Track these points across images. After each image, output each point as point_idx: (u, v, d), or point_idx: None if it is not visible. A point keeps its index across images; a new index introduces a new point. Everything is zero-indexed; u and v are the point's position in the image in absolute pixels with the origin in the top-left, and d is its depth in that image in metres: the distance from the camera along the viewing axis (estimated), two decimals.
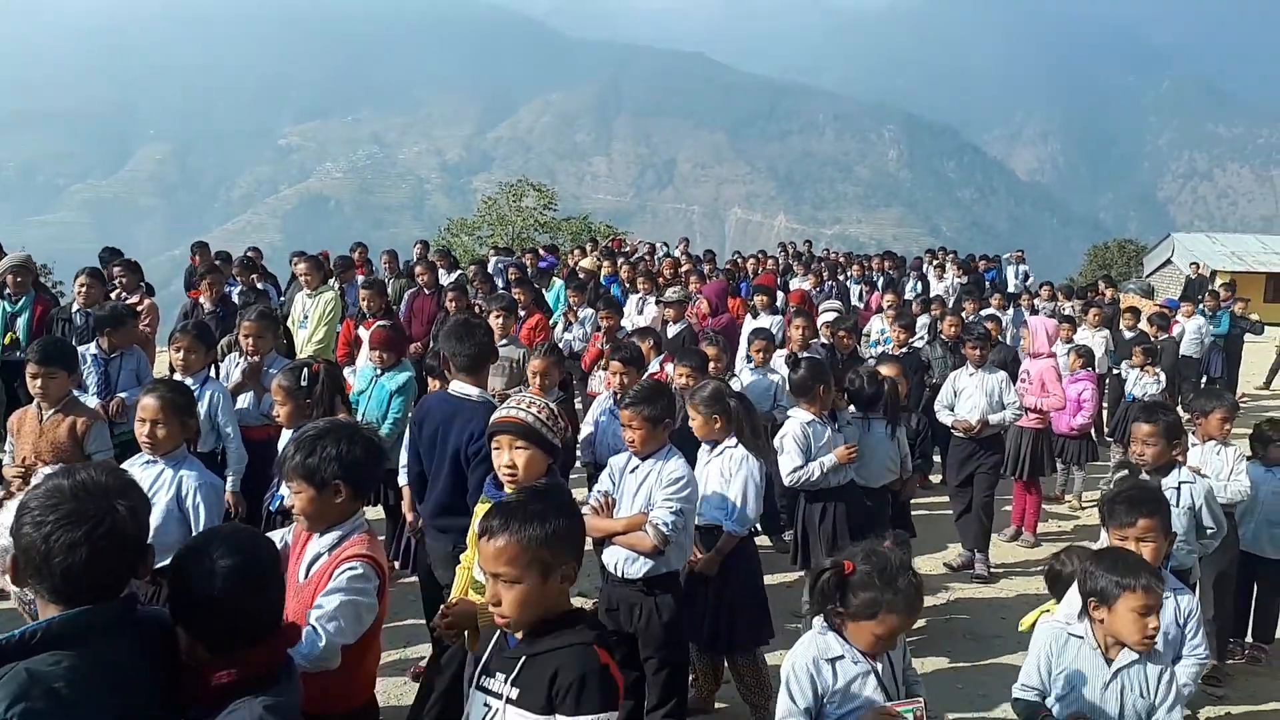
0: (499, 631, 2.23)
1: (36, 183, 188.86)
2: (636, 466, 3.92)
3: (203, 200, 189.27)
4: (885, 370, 5.97)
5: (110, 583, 1.88)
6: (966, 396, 6.92)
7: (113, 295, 8.16)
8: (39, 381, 4.54)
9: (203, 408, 4.84)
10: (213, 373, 5.55)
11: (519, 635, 2.17)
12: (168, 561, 2.08)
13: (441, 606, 3.20)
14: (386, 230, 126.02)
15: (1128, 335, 10.92)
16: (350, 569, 2.65)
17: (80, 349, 5.76)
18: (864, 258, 18.55)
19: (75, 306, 7.71)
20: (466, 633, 2.89)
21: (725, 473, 4.37)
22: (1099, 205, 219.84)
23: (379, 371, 5.91)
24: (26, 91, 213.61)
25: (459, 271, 13.10)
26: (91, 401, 5.20)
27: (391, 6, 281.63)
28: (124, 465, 3.79)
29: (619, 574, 3.86)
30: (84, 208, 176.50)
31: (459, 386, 4.12)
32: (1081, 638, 3.00)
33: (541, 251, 15.27)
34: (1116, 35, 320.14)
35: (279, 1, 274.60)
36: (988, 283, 17.14)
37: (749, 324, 9.18)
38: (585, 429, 5.88)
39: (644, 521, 3.73)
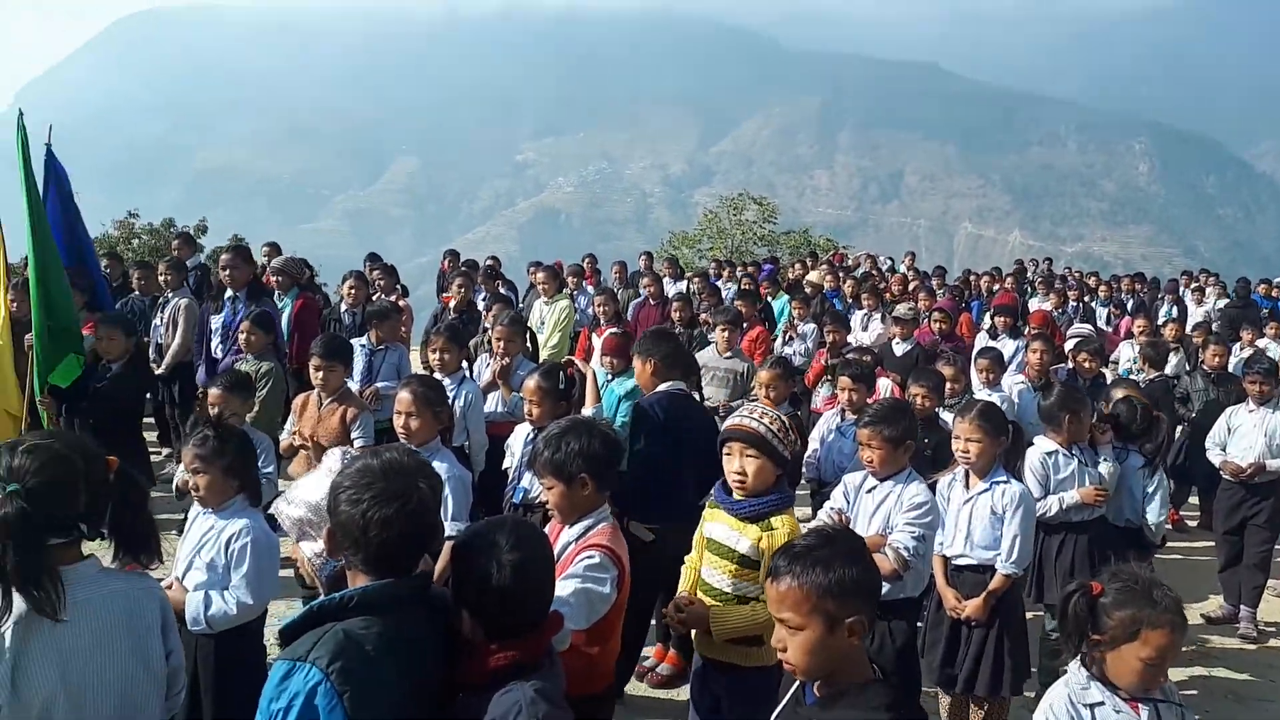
0: (798, 682, 2.11)
1: (305, 194, 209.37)
2: (874, 487, 3.84)
3: (447, 211, 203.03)
4: (1118, 392, 5.49)
5: (413, 556, 2.06)
6: (1241, 436, 6.26)
7: (372, 296, 8.91)
8: (320, 373, 5.07)
9: (458, 405, 5.20)
10: (467, 373, 5.90)
11: (816, 691, 2.04)
12: None
13: (675, 600, 3.29)
14: (612, 243, 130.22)
15: None
16: (588, 557, 2.78)
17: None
18: (1113, 279, 17.24)
19: (344, 306, 8.56)
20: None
21: (998, 509, 4.04)
22: None
23: (610, 376, 6.10)
24: (296, 113, 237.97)
25: (684, 280, 13.34)
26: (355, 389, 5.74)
27: (618, 23, 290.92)
28: None
29: None
30: (344, 217, 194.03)
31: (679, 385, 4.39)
32: None
33: (762, 265, 15.29)
34: None
35: (522, 20, 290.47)
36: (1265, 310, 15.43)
37: (979, 344, 8.77)
38: (810, 446, 5.80)
39: (883, 543, 3.64)
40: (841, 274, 13.86)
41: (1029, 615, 5.73)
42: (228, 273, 7.23)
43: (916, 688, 3.90)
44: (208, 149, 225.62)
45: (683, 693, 4.58)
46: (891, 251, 22.24)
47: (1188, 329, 10.72)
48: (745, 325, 8.55)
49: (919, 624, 4.18)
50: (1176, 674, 5.03)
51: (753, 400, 6.28)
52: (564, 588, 2.67)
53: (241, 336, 6.23)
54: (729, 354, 7.13)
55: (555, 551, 2.87)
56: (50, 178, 6.21)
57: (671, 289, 12.05)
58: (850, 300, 11.63)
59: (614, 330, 7.26)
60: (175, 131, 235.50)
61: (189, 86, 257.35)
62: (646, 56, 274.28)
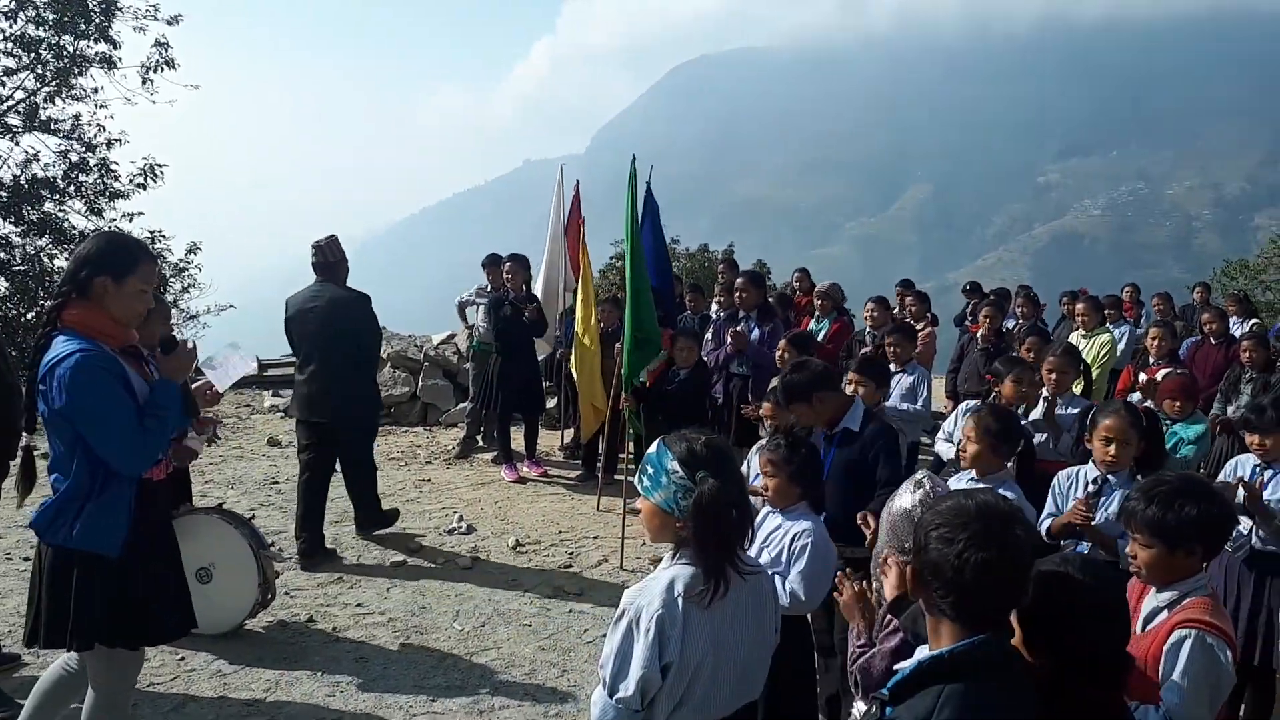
0: None
1: (820, 221, 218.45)
2: None
3: (956, 237, 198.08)
4: None
5: (1007, 609, 2.00)
6: None
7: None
8: (853, 387, 5.33)
9: None
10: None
11: None
12: None
13: None
14: (1144, 270, 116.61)
15: None
16: (1192, 642, 2.53)
17: None
18: None
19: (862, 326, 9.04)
20: None
21: None
22: None
23: (1170, 420, 5.56)
24: (820, 145, 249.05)
25: (1254, 320, 11.54)
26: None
27: (1170, 32, 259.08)
28: None
29: None
30: (853, 243, 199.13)
31: None
32: None
33: None
34: None
35: (1056, 35, 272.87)
36: None
37: None
38: None
39: None
40: None
41: None
42: (740, 295, 7.91)
43: None
44: (739, 181, 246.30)
45: None
46: None
47: None
48: None
49: None
50: None
51: None
52: (1182, 683, 2.50)
53: (778, 354, 6.79)
54: None
55: (1141, 615, 2.71)
56: (648, 209, 7.31)
57: (1238, 329, 10.50)
58: None
59: (1176, 370, 6.59)
60: (713, 165, 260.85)
61: (729, 124, 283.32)
62: (1201, 66, 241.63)
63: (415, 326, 12.86)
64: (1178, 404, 5.57)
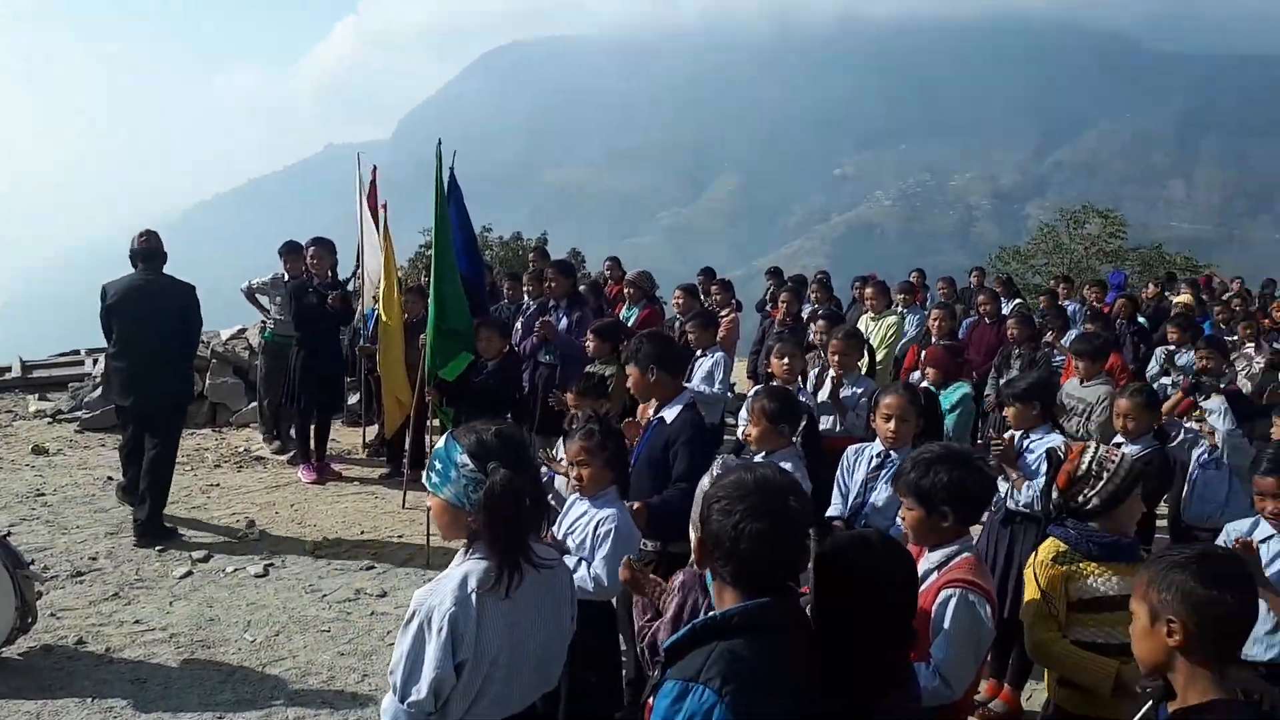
0: (1153, 702, 2.15)
1: (633, 210, 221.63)
2: (1270, 536, 3.48)
3: (762, 227, 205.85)
4: None
5: (784, 575, 2.08)
6: None
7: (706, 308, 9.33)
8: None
9: None
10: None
11: (1169, 707, 2.08)
12: None
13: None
14: (929, 257, 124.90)
15: None
16: (956, 600, 2.70)
17: None
18: None
19: (672, 314, 9.10)
20: None
21: None
22: None
23: (935, 390, 5.96)
24: (633, 135, 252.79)
25: (1017, 301, 12.59)
26: None
27: (958, 32, 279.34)
28: None
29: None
30: (665, 232, 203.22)
31: None
32: None
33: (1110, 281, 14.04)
34: None
35: (853, 34, 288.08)
36: None
37: None
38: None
39: None
40: (1207, 298, 12.40)
41: None
42: (549, 284, 7.88)
43: None
44: (554, 169, 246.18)
45: None
46: (1265, 271, 19.53)
47: None
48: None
49: None
50: None
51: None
52: (947, 644, 2.66)
53: (589, 344, 6.80)
54: (1096, 381, 6.60)
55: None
56: (452, 195, 7.11)
57: (1006, 308, 11.42)
58: (1222, 328, 10.38)
59: (940, 343, 7.08)
60: (526, 153, 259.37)
61: (541, 111, 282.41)
62: (983, 65, 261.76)
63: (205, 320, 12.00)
64: (933, 373, 6.01)
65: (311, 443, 8.07)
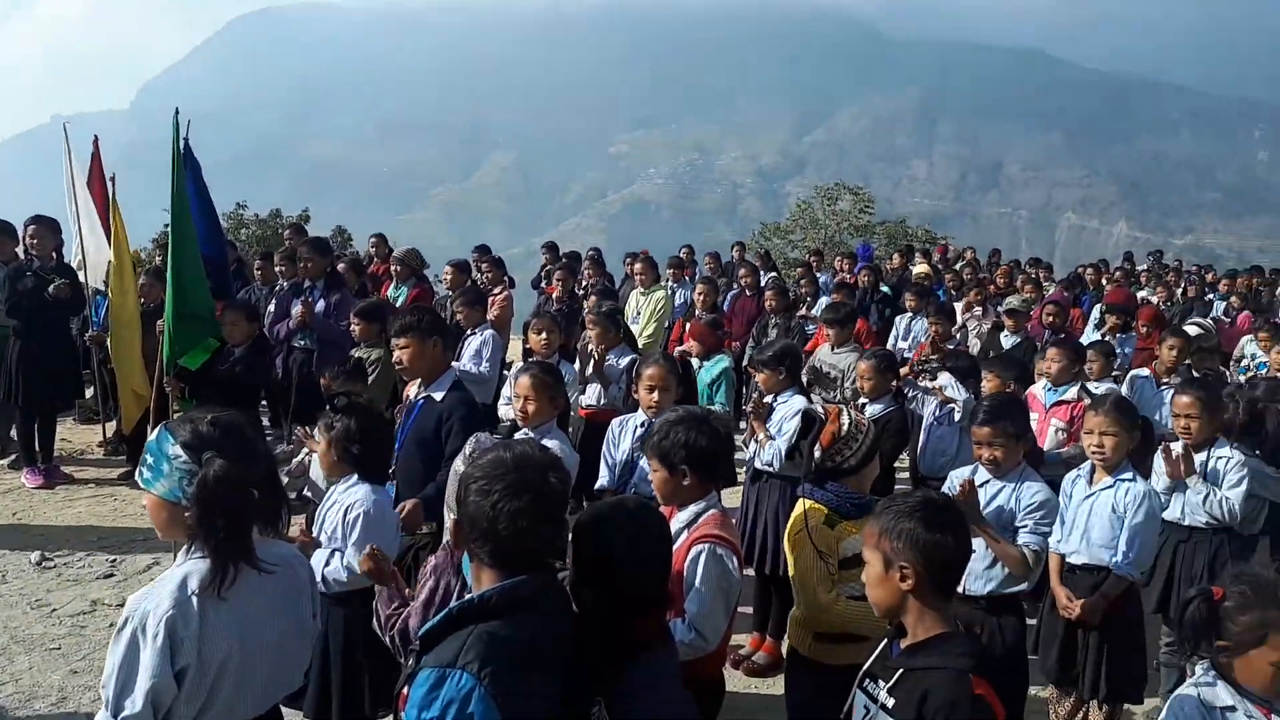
0: (886, 638, 2.32)
1: (404, 187, 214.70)
2: (987, 481, 3.80)
3: (540, 204, 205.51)
4: None
5: (543, 553, 2.05)
6: None
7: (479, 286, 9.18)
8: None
9: None
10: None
11: (902, 644, 2.24)
12: None
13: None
14: (700, 234, 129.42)
15: None
16: (706, 555, 2.79)
17: None
18: (1230, 272, 16.47)
19: (444, 291, 8.90)
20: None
21: (1119, 506, 3.92)
22: None
23: (699, 362, 6.16)
24: (401, 107, 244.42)
25: (773, 274, 13.27)
26: None
27: (719, 14, 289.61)
28: None
29: (962, 589, 3.75)
30: (441, 209, 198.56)
31: None
32: None
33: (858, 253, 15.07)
34: None
35: (622, 11, 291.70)
36: None
37: (1086, 338, 8.53)
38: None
39: (1004, 547, 3.63)
40: (941, 267, 13.57)
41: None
42: (303, 264, 7.49)
43: (1024, 683, 3.84)
44: (315, 142, 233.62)
45: (777, 683, 4.61)
46: (992, 242, 21.66)
47: None
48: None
49: (1031, 620, 4.12)
50: None
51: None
52: (700, 600, 2.75)
53: (354, 328, 6.51)
54: (846, 348, 7.00)
55: None
56: (190, 169, 6.52)
57: (764, 280, 12.01)
58: (953, 293, 11.41)
59: (700, 316, 7.33)
60: (285, 125, 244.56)
61: (300, 82, 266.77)
62: (744, 47, 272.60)
63: None
64: (697, 347, 6.22)
65: (35, 443, 7.26)
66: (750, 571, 5.11)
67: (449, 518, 2.58)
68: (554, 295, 9.44)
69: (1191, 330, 7.81)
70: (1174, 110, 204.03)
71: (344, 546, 3.37)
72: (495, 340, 7.13)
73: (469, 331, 6.88)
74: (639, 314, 9.28)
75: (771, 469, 4.90)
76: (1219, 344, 9.14)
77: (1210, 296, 13.87)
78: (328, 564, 3.34)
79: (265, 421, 8.24)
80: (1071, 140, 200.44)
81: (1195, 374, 6.77)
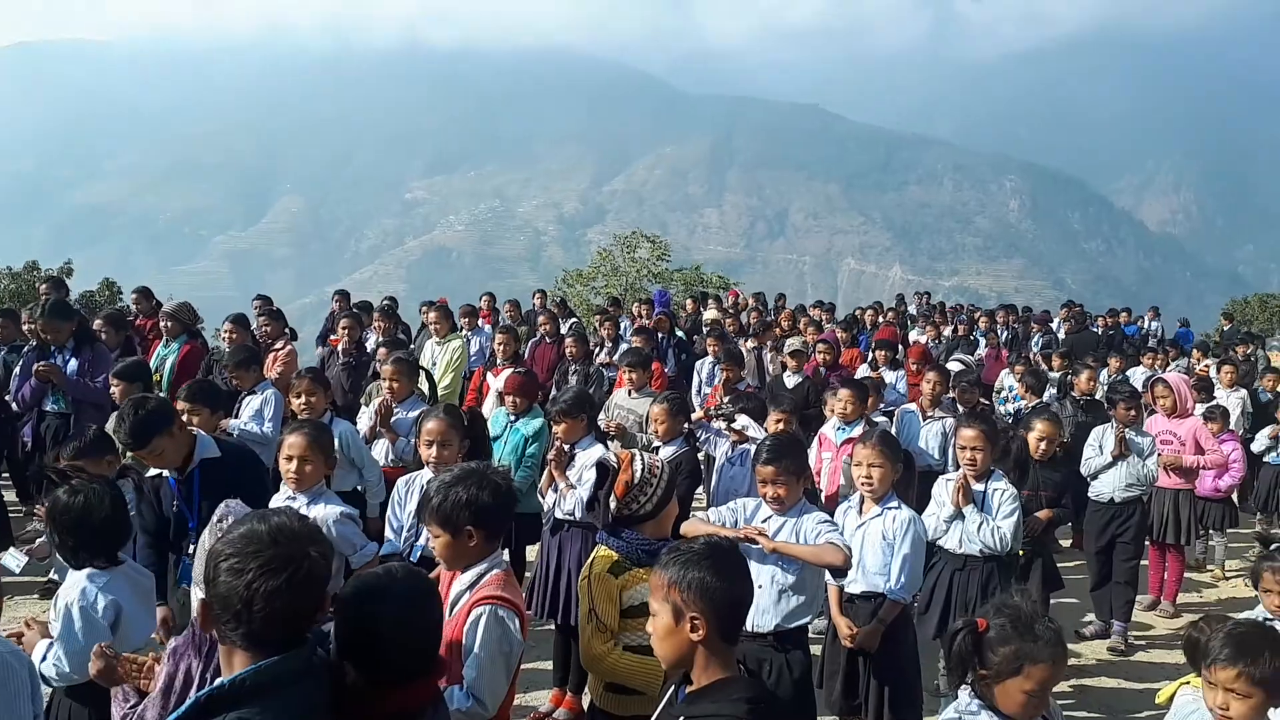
0: (673, 686, 2.29)
1: (183, 234, 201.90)
2: (769, 517, 3.89)
3: (332, 251, 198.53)
4: (1041, 427, 5.91)
5: (301, 628, 1.93)
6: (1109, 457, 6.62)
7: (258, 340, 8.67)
8: (186, 417, 4.87)
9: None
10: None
11: (686, 690, 2.22)
12: None
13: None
14: (504, 281, 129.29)
15: (1265, 398, 10.34)
16: (486, 618, 2.70)
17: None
18: (989, 311, 18.07)
19: (224, 347, 8.31)
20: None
21: (889, 534, 4.15)
22: (1237, 259, 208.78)
23: (513, 417, 6.03)
24: (180, 149, 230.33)
25: (573, 320, 13.38)
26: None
27: (516, 63, 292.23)
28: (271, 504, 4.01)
29: (749, 628, 3.82)
30: (224, 258, 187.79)
31: None
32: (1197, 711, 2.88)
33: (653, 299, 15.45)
34: (1251, 83, 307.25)
35: (416, 58, 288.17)
36: (1125, 338, 16.50)
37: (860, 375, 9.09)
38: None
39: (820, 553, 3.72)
40: (730, 312, 14.11)
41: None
42: (45, 335, 6.81)
43: (812, 716, 3.96)
44: (82, 186, 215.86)
45: None
46: (779, 287, 22.81)
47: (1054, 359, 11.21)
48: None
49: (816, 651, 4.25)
50: (1055, 689, 5.24)
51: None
52: (478, 665, 2.65)
53: (114, 389, 5.98)
54: (637, 395, 7.06)
55: (449, 601, 2.85)
56: None
57: (564, 327, 12.07)
58: (735, 337, 11.86)
59: (517, 369, 7.20)
60: (48, 168, 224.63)
61: (61, 123, 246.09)
62: (542, 96, 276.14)
63: None
64: (518, 401, 6.11)
65: None
66: (552, 625, 5.05)
67: (195, 596, 2.38)
68: (339, 348, 9.03)
69: (953, 366, 8.46)
70: (938, 163, 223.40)
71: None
72: (278, 399, 6.72)
73: (244, 392, 6.47)
74: (434, 364, 9.05)
75: (573, 518, 4.87)
76: (980, 377, 9.95)
77: (975, 335, 15.13)
78: (44, 657, 3.01)
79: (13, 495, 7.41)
80: (848, 190, 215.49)
81: (961, 408, 7.34)
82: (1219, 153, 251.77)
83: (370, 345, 9.54)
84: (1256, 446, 8.96)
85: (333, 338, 10.16)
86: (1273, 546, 4.06)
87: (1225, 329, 20.06)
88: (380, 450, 5.70)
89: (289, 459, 3.93)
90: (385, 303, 11.97)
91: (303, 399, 5.36)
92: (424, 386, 6.37)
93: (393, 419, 5.71)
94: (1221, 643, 2.72)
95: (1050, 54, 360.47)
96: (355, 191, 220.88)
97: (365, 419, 5.94)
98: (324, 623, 2.05)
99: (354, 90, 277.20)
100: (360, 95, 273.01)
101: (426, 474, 4.32)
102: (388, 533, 4.33)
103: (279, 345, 8.70)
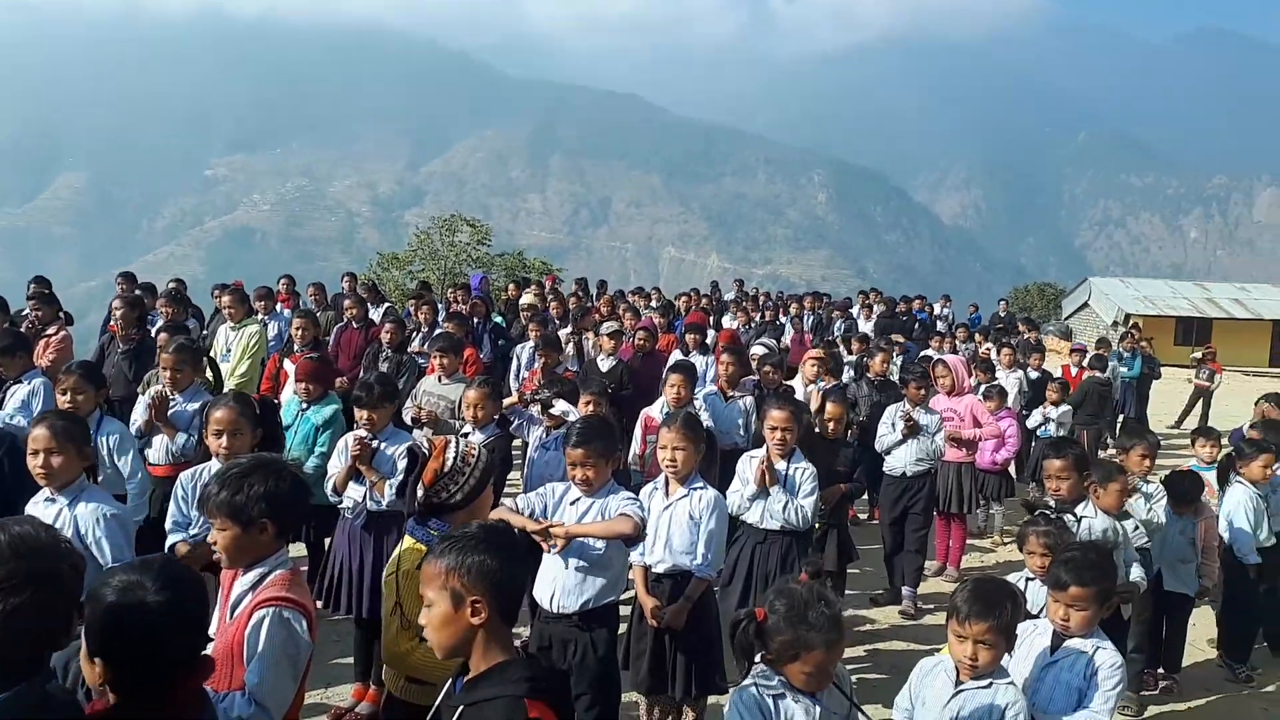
0: (451, 678, 2.23)
1: None
2: (577, 499, 3.88)
3: (123, 231, 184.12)
4: (831, 408, 6.25)
5: (49, 649, 1.76)
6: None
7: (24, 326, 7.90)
8: None
9: (103, 450, 4.63)
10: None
11: (465, 679, 2.16)
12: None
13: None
14: (315, 264, 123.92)
15: (1033, 375, 11.39)
16: (270, 620, 2.56)
17: None
18: (798, 297, 18.88)
19: None
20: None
21: (695, 514, 4.21)
22: (1020, 251, 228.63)
23: (305, 405, 5.79)
24: None
25: (386, 305, 12.93)
26: None
27: (322, 37, 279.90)
28: (28, 505, 3.64)
29: (554, 609, 3.81)
30: None
31: None
32: (941, 662, 3.18)
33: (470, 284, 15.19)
34: (1036, 89, 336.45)
35: (213, 26, 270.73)
36: (918, 323, 17.62)
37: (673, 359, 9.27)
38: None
39: (612, 525, 3.74)
40: (550, 296, 14.06)
41: None
42: None
43: (617, 695, 3.98)
44: None
45: None
46: (602, 274, 22.99)
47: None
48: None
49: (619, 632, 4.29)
50: (848, 651, 5.52)
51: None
52: (261, 669, 2.50)
53: None
54: (449, 381, 6.92)
55: (229, 603, 2.69)
56: None
57: (375, 313, 11.64)
58: (556, 321, 11.84)
59: (310, 355, 6.90)
60: None
61: None
62: (352, 73, 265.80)
63: None
64: (310, 388, 5.84)
65: None
66: (347, 617, 4.87)
67: None
68: (118, 335, 8.33)
69: (758, 350, 8.75)
70: (752, 156, 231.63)
71: None
72: (48, 388, 6.12)
73: (10, 381, 5.86)
74: (229, 351, 8.52)
75: (381, 507, 4.70)
76: (784, 360, 10.35)
77: (782, 320, 15.77)
78: None
79: None
80: (669, 180, 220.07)
81: (764, 389, 7.60)
82: (1005, 153, 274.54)
83: (154, 331, 8.86)
84: (1031, 422, 9.83)
85: (111, 324, 9.38)
86: (1036, 512, 4.44)
87: (1003, 314, 21.87)
88: (158, 448, 5.26)
89: (34, 453, 3.57)
90: (171, 285, 11.18)
91: (68, 396, 4.83)
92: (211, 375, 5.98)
93: (172, 411, 5.29)
94: (968, 599, 2.99)
95: (857, 56, 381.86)
96: (148, 169, 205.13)
97: (140, 411, 5.49)
98: (68, 644, 1.85)
99: (145, 61, 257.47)
100: (152, 66, 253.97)
101: (215, 465, 4.05)
102: (169, 524, 4.03)
103: (51, 330, 7.98)
